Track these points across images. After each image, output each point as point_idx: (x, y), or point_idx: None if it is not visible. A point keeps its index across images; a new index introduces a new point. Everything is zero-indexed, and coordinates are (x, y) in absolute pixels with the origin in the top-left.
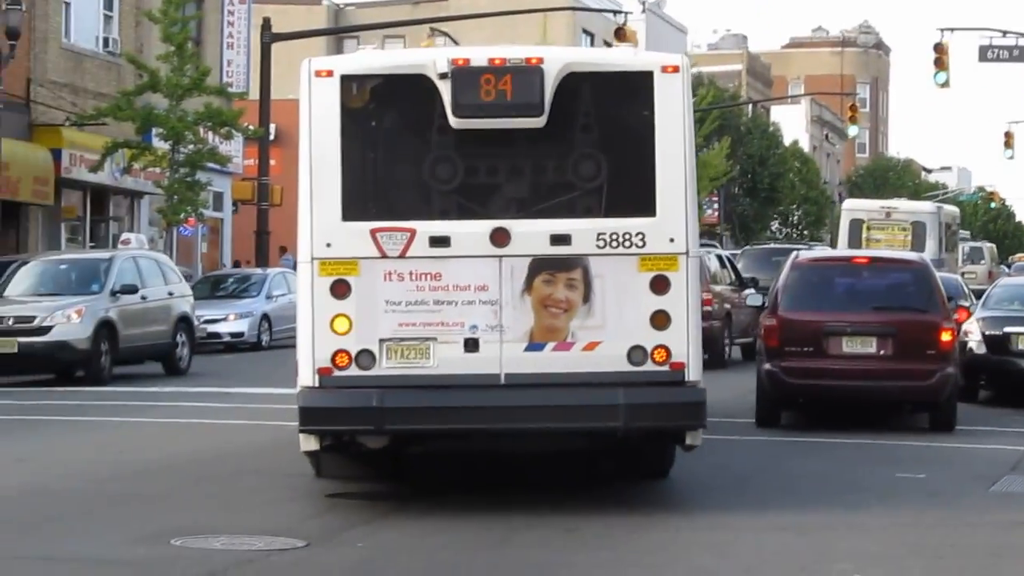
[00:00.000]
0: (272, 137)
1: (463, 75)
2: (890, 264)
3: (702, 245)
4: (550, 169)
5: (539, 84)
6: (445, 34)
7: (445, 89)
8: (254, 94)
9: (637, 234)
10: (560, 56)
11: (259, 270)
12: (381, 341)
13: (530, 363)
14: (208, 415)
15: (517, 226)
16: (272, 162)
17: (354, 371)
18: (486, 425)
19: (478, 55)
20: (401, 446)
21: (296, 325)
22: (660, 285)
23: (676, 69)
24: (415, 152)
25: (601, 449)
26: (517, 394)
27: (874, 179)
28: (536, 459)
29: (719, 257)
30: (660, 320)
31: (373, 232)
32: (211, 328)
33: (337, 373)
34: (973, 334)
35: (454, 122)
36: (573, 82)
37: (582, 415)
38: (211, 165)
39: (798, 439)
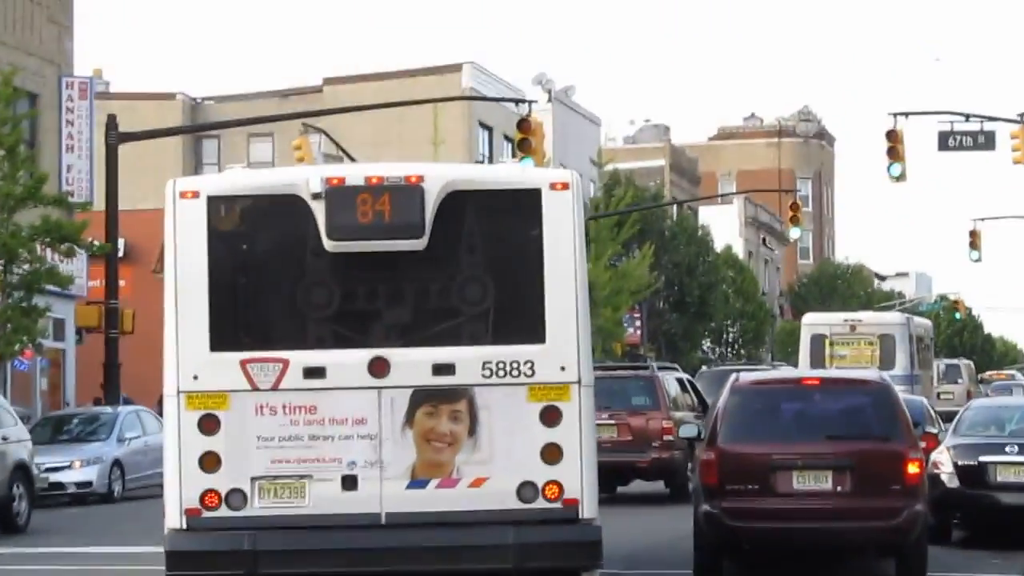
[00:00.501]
0: (121, 253)
1: (338, 195)
2: (845, 385)
3: (662, 368)
4: (432, 294)
5: (419, 204)
6: (320, 131)
7: (319, 210)
8: (99, 204)
9: (526, 362)
10: (442, 174)
11: (109, 409)
12: (253, 479)
13: (413, 501)
14: None
15: (397, 355)
16: (122, 282)
17: (224, 512)
18: (367, 568)
19: (354, 173)
20: None
21: (162, 463)
22: (551, 416)
23: (566, 186)
24: (288, 277)
25: None
26: (399, 535)
27: (820, 288)
28: None
29: (679, 380)
30: (552, 454)
31: (243, 363)
32: (53, 477)
33: (206, 514)
34: (944, 465)
35: (329, 245)
36: (456, 201)
37: (470, 556)
38: (50, 288)
39: None
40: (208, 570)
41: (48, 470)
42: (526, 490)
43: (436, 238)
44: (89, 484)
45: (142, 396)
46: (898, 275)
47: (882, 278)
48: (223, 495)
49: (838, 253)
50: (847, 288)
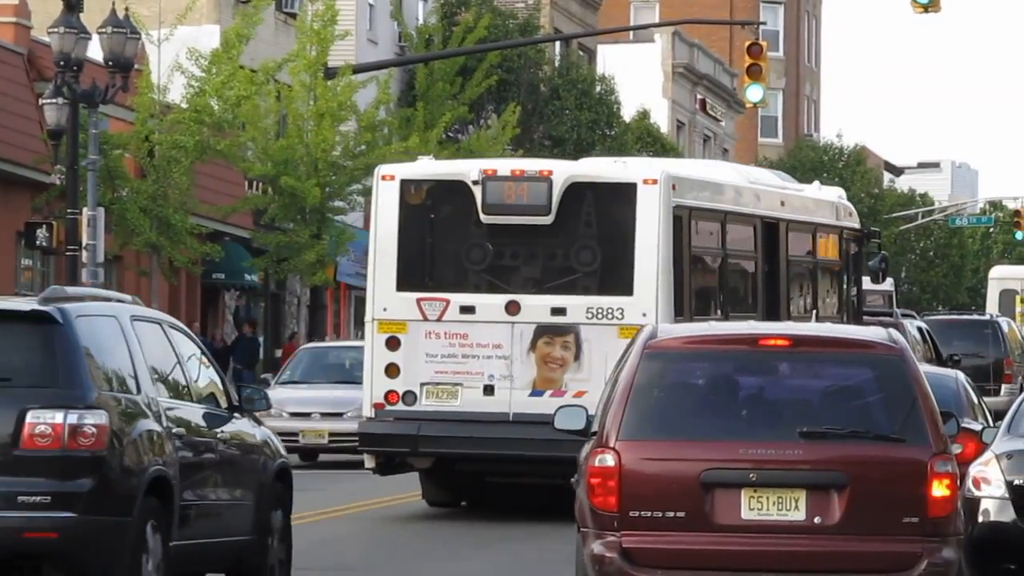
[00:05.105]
0: None
1: (490, 182)
2: (835, 349)
3: (903, 315)
4: (555, 256)
5: (548, 191)
6: None
7: (478, 192)
8: None
9: (618, 309)
10: (565, 169)
11: None
12: (421, 384)
13: (532, 405)
14: None
15: (526, 300)
16: None
17: (401, 406)
18: (497, 451)
19: (503, 166)
20: (480, 473)
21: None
22: None
23: (655, 182)
24: (454, 240)
25: None
26: (522, 429)
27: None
28: None
29: (919, 329)
30: None
31: (418, 300)
32: None
33: (388, 407)
34: (989, 483)
35: (483, 218)
36: (575, 189)
37: (570, 447)
38: None
39: None
40: (385, 447)
41: None
42: None
43: (560, 216)
44: None
45: None
46: (923, 167)
47: (897, 171)
48: (400, 394)
49: (824, 128)
50: (838, 184)
